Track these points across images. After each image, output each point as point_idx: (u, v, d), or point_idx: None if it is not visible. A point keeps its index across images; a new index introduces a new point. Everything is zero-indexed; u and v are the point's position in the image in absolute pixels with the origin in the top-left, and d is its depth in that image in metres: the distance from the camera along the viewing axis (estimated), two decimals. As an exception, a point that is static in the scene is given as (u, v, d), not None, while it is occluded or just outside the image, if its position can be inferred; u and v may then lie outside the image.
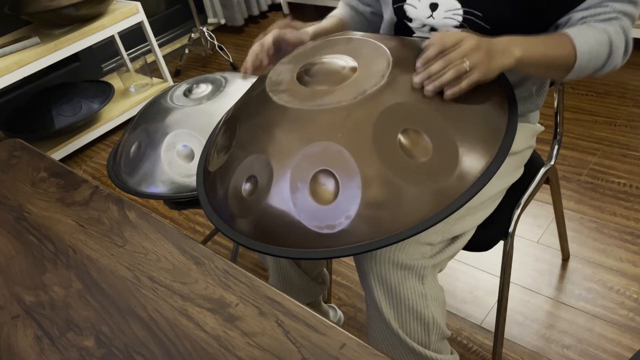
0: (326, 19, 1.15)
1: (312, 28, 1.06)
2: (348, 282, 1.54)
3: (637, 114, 1.89)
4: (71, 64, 2.86)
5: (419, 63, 0.78)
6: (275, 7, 3.58)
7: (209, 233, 1.83)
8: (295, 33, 0.99)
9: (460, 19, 0.91)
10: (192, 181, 1.12)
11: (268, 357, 0.60)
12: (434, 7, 0.93)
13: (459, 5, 0.91)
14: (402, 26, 1.02)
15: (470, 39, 0.76)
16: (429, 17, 0.95)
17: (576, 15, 0.87)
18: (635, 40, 2.20)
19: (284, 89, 0.84)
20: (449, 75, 0.75)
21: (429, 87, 0.77)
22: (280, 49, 0.98)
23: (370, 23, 1.18)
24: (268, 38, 0.96)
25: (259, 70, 0.97)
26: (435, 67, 0.76)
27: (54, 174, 1.03)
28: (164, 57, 3.26)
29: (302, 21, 1.06)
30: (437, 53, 0.77)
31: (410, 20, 0.99)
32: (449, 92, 0.77)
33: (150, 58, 3.13)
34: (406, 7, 0.98)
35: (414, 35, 1.01)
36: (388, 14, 1.03)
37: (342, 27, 1.14)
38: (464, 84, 0.76)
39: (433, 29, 0.97)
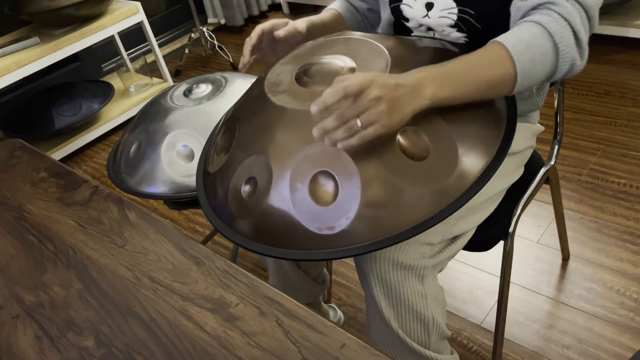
0: (323, 11, 1.15)
1: (307, 18, 1.06)
2: (348, 282, 1.54)
3: (637, 114, 1.89)
4: (71, 64, 2.86)
5: (313, 108, 0.70)
6: (275, 7, 3.58)
7: (209, 233, 1.83)
8: (289, 23, 0.99)
9: (455, 17, 0.92)
10: (192, 181, 1.12)
11: (268, 357, 0.60)
12: (429, 6, 0.94)
13: (454, 5, 0.91)
14: (400, 26, 1.02)
15: (373, 89, 0.68)
16: (424, 17, 0.95)
17: (516, 2, 0.80)
18: (636, 40, 2.20)
19: (282, 90, 0.84)
20: (339, 134, 0.70)
21: (326, 142, 0.71)
22: (273, 41, 0.99)
23: (366, 19, 1.18)
24: (254, 32, 0.97)
25: (253, 64, 0.98)
26: (328, 123, 0.70)
27: (54, 174, 1.03)
28: (164, 57, 3.26)
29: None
30: (333, 102, 0.69)
31: (407, 19, 0.99)
32: (339, 146, 0.70)
33: (150, 58, 3.13)
34: (402, 6, 0.98)
35: (412, 34, 1.01)
36: (386, 13, 1.04)
37: (338, 20, 1.13)
38: (354, 140, 0.69)
39: (430, 29, 0.97)
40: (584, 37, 0.77)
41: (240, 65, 0.97)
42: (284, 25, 0.98)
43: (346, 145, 0.70)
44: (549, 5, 0.76)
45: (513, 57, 0.74)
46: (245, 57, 0.97)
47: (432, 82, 0.72)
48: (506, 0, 0.86)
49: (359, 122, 0.69)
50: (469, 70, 0.75)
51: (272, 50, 1.01)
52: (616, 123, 1.87)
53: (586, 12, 0.77)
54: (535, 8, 0.78)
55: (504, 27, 0.90)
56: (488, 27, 0.90)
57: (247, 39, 0.98)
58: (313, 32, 1.05)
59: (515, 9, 0.81)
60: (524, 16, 0.80)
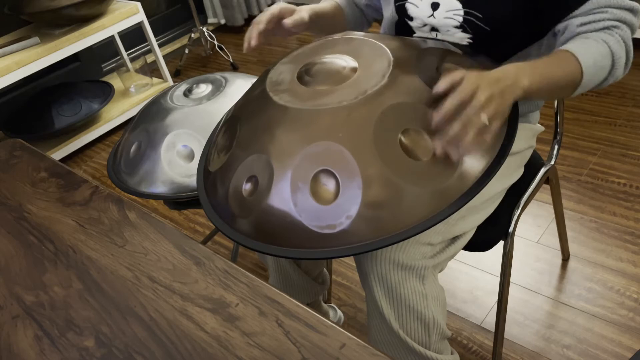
0: (325, 1, 1.14)
1: (311, 6, 1.05)
2: (348, 282, 1.54)
3: (637, 114, 1.89)
4: (71, 64, 2.86)
5: (437, 118, 0.73)
6: (275, 7, 3.58)
7: (209, 233, 1.83)
8: (296, 12, 0.99)
9: (461, 19, 0.91)
10: (192, 181, 1.12)
11: (268, 357, 0.60)
12: (435, 6, 0.93)
13: (460, 6, 0.91)
14: (403, 25, 1.02)
15: (483, 89, 0.72)
16: (429, 17, 0.95)
17: (574, 21, 0.85)
18: (636, 40, 2.20)
19: (284, 89, 0.84)
20: (471, 136, 0.71)
21: (455, 156, 0.74)
22: (278, 26, 1.00)
23: (363, 15, 1.18)
24: (264, 17, 0.98)
25: (258, 41, 0.98)
26: (455, 129, 0.72)
27: (54, 174, 1.03)
28: (164, 57, 3.26)
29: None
30: (455, 108, 0.72)
31: (411, 19, 0.98)
32: (470, 150, 0.74)
33: (150, 58, 3.13)
34: (408, 5, 0.98)
35: (414, 35, 1.01)
36: (389, 12, 1.03)
37: (338, 12, 1.13)
38: (487, 137, 0.73)
39: (434, 29, 0.97)
40: (632, 57, 0.86)
41: (245, 46, 0.98)
42: (291, 13, 0.99)
43: (480, 141, 0.73)
44: (615, 29, 0.83)
45: (583, 70, 0.81)
46: (253, 39, 0.97)
47: (526, 73, 0.77)
48: (522, 4, 0.87)
49: (484, 118, 0.71)
50: (553, 68, 0.81)
51: (274, 34, 1.02)
52: (616, 123, 1.87)
53: (632, 30, 0.85)
54: (601, 24, 0.84)
55: (515, 30, 0.90)
56: (497, 30, 0.90)
57: (255, 22, 0.98)
58: (315, 21, 1.05)
59: (574, 25, 0.86)
60: (578, 33, 0.85)
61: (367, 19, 1.19)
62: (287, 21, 0.97)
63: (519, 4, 0.87)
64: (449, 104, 0.72)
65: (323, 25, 1.09)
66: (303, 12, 1.00)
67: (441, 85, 0.74)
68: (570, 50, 0.81)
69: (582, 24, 0.85)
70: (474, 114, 0.71)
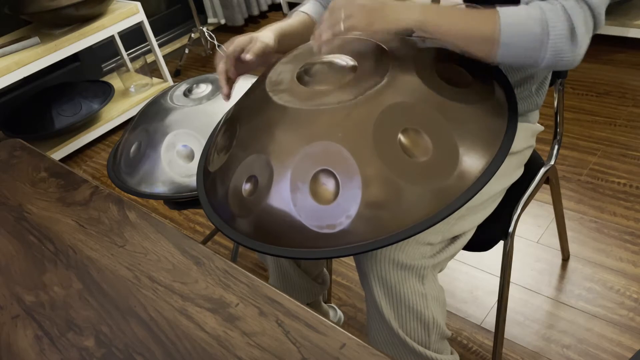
0: (291, 15, 1.09)
1: (276, 26, 1.01)
2: (348, 282, 1.54)
3: (637, 114, 1.89)
4: (71, 64, 2.86)
5: (314, 42, 0.85)
6: (275, 7, 3.58)
7: (209, 233, 1.83)
8: (256, 40, 0.94)
9: None
10: (192, 181, 1.12)
11: (268, 357, 0.60)
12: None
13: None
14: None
15: (348, 7, 0.81)
16: None
17: None
18: (636, 40, 2.20)
19: (284, 89, 0.84)
20: (324, 25, 0.82)
21: (316, 44, 0.84)
22: (242, 65, 0.96)
23: None
24: (223, 64, 0.94)
25: (230, 89, 0.96)
26: (321, 28, 0.83)
27: (54, 174, 1.03)
28: (164, 57, 3.26)
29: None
30: (326, 17, 0.82)
31: None
32: (324, 37, 0.83)
33: (150, 58, 3.13)
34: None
35: (413, 33, 1.01)
36: None
37: (307, 25, 1.07)
38: (336, 27, 0.81)
39: None
40: (582, 34, 0.77)
41: (224, 97, 0.95)
42: (249, 43, 0.93)
43: (327, 36, 0.82)
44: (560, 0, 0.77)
45: (501, 24, 0.77)
46: (224, 88, 0.95)
47: (421, 9, 0.79)
48: None
49: (342, 14, 0.80)
50: (458, 14, 0.81)
51: (245, 67, 0.97)
52: (616, 123, 1.87)
53: (591, 10, 0.77)
54: None
55: None
56: None
57: (219, 70, 0.94)
58: (283, 42, 1.00)
59: None
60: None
61: None
62: (246, 56, 0.92)
63: None
64: (325, 16, 0.82)
65: (292, 45, 1.03)
66: (265, 37, 0.95)
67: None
68: (496, 7, 0.79)
69: None
70: (338, 14, 0.81)
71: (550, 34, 0.75)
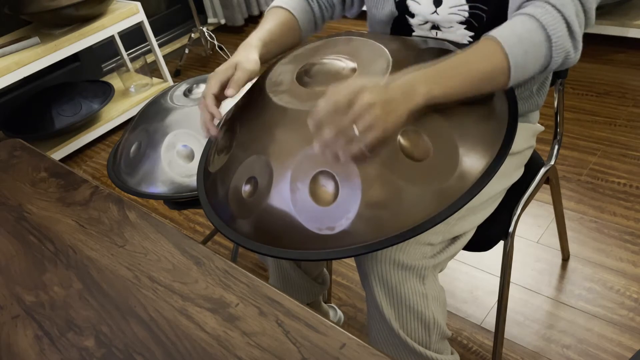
0: (268, 15, 1.02)
1: (257, 40, 0.94)
2: (348, 282, 1.54)
3: (637, 114, 1.89)
4: (71, 64, 2.86)
5: (310, 123, 0.70)
6: (275, 7, 3.58)
7: (209, 233, 1.83)
8: (237, 70, 0.87)
9: (466, 14, 0.91)
10: (192, 181, 1.12)
11: (268, 357, 0.60)
12: (438, 2, 0.93)
13: (463, 1, 0.90)
14: (401, 22, 1.01)
15: (364, 95, 0.68)
16: (432, 13, 0.94)
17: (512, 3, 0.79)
18: (636, 40, 2.20)
19: (283, 90, 0.84)
20: (338, 144, 0.69)
21: (327, 157, 0.71)
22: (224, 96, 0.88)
23: (322, 16, 1.08)
24: (208, 109, 0.86)
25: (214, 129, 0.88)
26: (325, 134, 0.69)
27: (54, 174, 1.03)
28: (164, 57, 3.26)
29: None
30: (327, 114, 0.69)
31: (413, 15, 0.98)
32: (342, 157, 0.70)
33: (150, 58, 3.13)
34: (409, 2, 0.96)
35: (413, 33, 1.01)
36: (388, 8, 1.01)
37: (290, 25, 1.01)
38: (354, 148, 0.69)
39: (434, 27, 0.97)
40: (578, 29, 0.76)
41: (213, 137, 0.88)
42: (232, 73, 0.87)
43: (347, 155, 0.69)
44: (544, 1, 0.76)
45: (505, 50, 0.74)
46: (212, 130, 0.87)
47: (424, 81, 0.72)
48: None
49: (356, 130, 0.68)
50: (461, 65, 0.75)
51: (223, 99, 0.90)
52: (616, 123, 1.87)
53: (582, 4, 0.77)
54: (529, 0, 0.78)
55: None
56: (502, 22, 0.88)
57: (203, 111, 0.87)
58: (266, 56, 0.95)
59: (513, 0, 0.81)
60: (519, 8, 0.80)
61: (323, 20, 1.09)
62: (229, 92, 0.85)
63: None
64: (321, 109, 0.69)
65: (275, 54, 0.98)
66: (248, 64, 0.88)
67: (319, 102, 0.69)
68: (491, 35, 0.76)
69: (520, 3, 0.79)
70: (345, 121, 0.68)
71: (553, 38, 0.75)
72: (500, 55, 0.74)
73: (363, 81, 0.70)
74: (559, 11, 0.75)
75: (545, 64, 0.78)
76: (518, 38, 0.74)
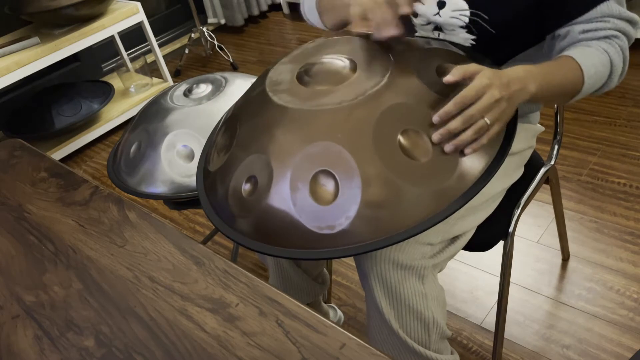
0: None
1: None
2: (348, 282, 1.54)
3: (637, 114, 1.89)
4: (71, 64, 2.86)
5: (436, 117, 0.73)
6: (275, 7, 3.58)
7: (209, 233, 1.83)
8: None
9: (467, 20, 0.91)
10: (192, 181, 1.12)
11: (268, 357, 0.60)
12: (441, 4, 0.93)
13: (466, 6, 0.90)
14: (405, 21, 1.01)
15: (493, 90, 0.72)
16: (435, 15, 0.94)
17: (576, 27, 0.85)
18: (636, 40, 2.20)
19: (284, 89, 0.84)
20: (469, 134, 0.72)
21: (449, 148, 0.73)
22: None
23: None
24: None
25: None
26: (454, 124, 0.72)
27: (54, 174, 1.03)
28: (164, 57, 3.26)
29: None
30: (457, 109, 0.72)
31: (416, 15, 0.98)
32: (468, 150, 0.73)
33: (150, 58, 3.13)
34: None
35: (416, 34, 1.01)
36: None
37: None
38: (484, 139, 0.73)
39: (437, 28, 0.97)
40: (627, 66, 0.87)
41: (381, 35, 0.82)
42: None
43: (475, 148, 0.74)
44: (615, 39, 0.84)
45: (585, 79, 0.82)
46: (394, 30, 0.81)
47: (535, 79, 0.77)
48: (526, 8, 0.87)
49: (487, 120, 0.72)
50: (559, 71, 0.82)
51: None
52: (616, 123, 1.87)
53: (629, 41, 0.87)
54: (603, 33, 0.85)
55: (518, 33, 0.90)
56: (501, 32, 0.90)
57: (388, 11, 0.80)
58: None
59: (576, 32, 0.86)
60: (580, 40, 0.86)
61: None
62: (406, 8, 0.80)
63: (523, 7, 0.87)
64: (452, 106, 0.72)
65: None
66: None
67: (454, 74, 0.74)
68: (575, 59, 0.82)
69: (583, 31, 0.85)
70: (478, 113, 0.72)
71: (614, 74, 0.85)
72: (580, 78, 0.82)
73: (485, 73, 0.73)
74: (623, 53, 0.85)
75: (597, 91, 0.87)
76: (594, 71, 0.82)
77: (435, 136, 0.73)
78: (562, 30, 0.88)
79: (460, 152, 0.74)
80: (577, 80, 0.82)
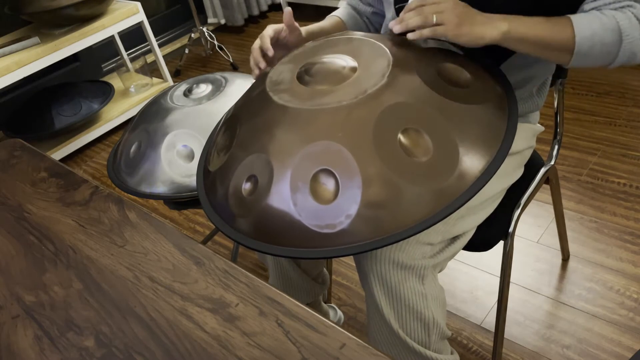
0: (326, 19, 1.15)
1: (306, 28, 1.06)
2: (348, 282, 1.54)
3: (637, 114, 1.89)
4: (71, 64, 2.86)
5: (395, 23, 0.83)
6: (275, 7, 3.58)
7: (209, 233, 1.83)
8: (290, 34, 1.00)
9: None
10: (192, 181, 1.12)
11: (268, 357, 0.60)
12: None
13: None
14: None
15: (451, 1, 0.81)
16: None
17: (587, 6, 0.86)
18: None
19: (284, 89, 0.84)
20: (414, 20, 0.81)
21: (395, 28, 0.83)
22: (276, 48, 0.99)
23: (370, 24, 1.18)
24: (266, 39, 0.96)
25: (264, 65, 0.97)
26: (408, 14, 0.82)
27: (54, 174, 1.03)
28: (164, 57, 3.26)
29: (301, 21, 1.06)
30: (416, 5, 0.82)
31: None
32: (410, 35, 0.82)
33: (150, 58, 3.13)
34: None
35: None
36: (390, 13, 1.03)
37: (339, 27, 1.14)
38: (426, 31, 0.81)
39: None
40: None
41: (256, 74, 0.97)
42: (281, 29, 0.99)
43: (416, 35, 0.82)
44: (628, 8, 0.84)
45: (576, 39, 0.83)
46: (261, 62, 0.96)
47: (508, 19, 0.82)
48: (528, 6, 0.87)
49: (434, 18, 0.80)
50: (539, 23, 0.83)
51: (279, 48, 1.01)
52: (616, 123, 1.87)
53: None
54: (613, 6, 0.85)
55: None
56: None
57: (256, 48, 0.97)
58: (309, 37, 1.05)
59: (584, 9, 0.87)
60: (596, 7, 0.86)
61: (374, 28, 1.20)
62: (284, 34, 0.99)
63: (525, 5, 0.87)
64: (414, 2, 0.82)
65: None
66: (297, 37, 1.01)
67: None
68: (569, 17, 0.84)
69: (593, 8, 0.86)
70: (428, 10, 0.81)
71: (624, 41, 0.82)
72: (570, 39, 0.83)
73: None
74: (638, 19, 0.83)
75: (609, 61, 0.85)
76: (591, 32, 0.82)
77: (392, 24, 0.83)
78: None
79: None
80: (567, 38, 0.83)
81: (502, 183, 1.00)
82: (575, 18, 0.83)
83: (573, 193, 1.65)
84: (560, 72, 1.10)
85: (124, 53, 2.93)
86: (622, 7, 0.84)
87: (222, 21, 3.42)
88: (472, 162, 0.75)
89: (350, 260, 1.60)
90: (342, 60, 0.85)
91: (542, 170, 1.13)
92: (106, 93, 2.58)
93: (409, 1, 0.84)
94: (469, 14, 0.81)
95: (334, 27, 1.13)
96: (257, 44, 0.97)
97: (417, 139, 0.74)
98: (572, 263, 1.45)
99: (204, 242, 1.70)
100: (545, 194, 1.67)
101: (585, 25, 0.82)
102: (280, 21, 1.08)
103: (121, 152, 1.23)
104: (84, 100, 2.53)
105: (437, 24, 0.80)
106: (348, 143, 0.73)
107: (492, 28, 0.81)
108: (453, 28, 0.80)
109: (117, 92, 2.73)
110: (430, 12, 0.81)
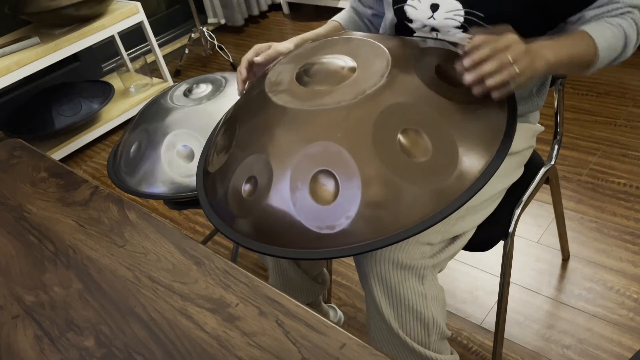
0: (326, 24, 1.17)
1: (300, 36, 1.07)
2: (348, 282, 1.54)
3: (637, 114, 1.89)
4: (71, 64, 2.86)
5: (467, 61, 0.76)
6: (275, 7, 3.58)
7: (209, 233, 1.83)
8: (272, 48, 1.01)
9: (462, 19, 0.91)
10: (192, 181, 1.12)
11: (268, 357, 0.60)
12: (434, 7, 0.93)
13: (460, 6, 0.91)
14: (402, 27, 1.02)
15: (520, 44, 0.76)
16: (429, 18, 0.95)
17: (588, 13, 0.88)
18: (635, 40, 2.20)
19: (283, 89, 0.84)
20: (500, 78, 0.75)
21: (478, 90, 0.77)
22: (257, 67, 1.02)
23: (371, 25, 1.18)
24: (242, 66, 1.00)
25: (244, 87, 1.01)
26: (488, 67, 0.75)
27: (54, 174, 1.03)
28: (164, 57, 3.26)
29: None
30: (488, 55, 0.75)
31: (411, 21, 0.99)
32: (496, 95, 0.77)
33: (150, 58, 3.13)
34: (406, 7, 0.98)
35: (414, 35, 1.01)
36: (389, 14, 1.04)
37: (337, 31, 1.14)
38: (512, 86, 0.76)
39: (434, 30, 0.97)
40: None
41: (239, 93, 1.02)
42: (266, 49, 1.01)
43: (503, 94, 0.77)
44: (629, 14, 0.88)
45: (599, 52, 0.85)
46: (239, 85, 1.01)
47: (553, 49, 0.81)
48: (522, 3, 0.87)
49: (516, 69, 0.75)
50: (569, 44, 0.84)
51: (258, 69, 1.04)
52: (616, 123, 1.87)
53: None
54: (615, 12, 0.88)
55: (517, 27, 0.90)
56: None
57: (237, 73, 1.02)
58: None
59: (589, 17, 0.90)
60: (595, 16, 0.89)
61: (375, 29, 1.20)
62: (258, 58, 1.00)
63: (521, 1, 0.87)
64: (484, 51, 0.75)
65: None
66: (281, 47, 1.01)
67: (475, 40, 0.76)
68: (588, 32, 0.86)
69: (596, 15, 0.88)
70: (507, 59, 0.74)
71: (628, 46, 0.88)
72: (594, 51, 0.85)
73: (508, 36, 0.77)
74: (636, 24, 0.88)
75: (612, 63, 0.90)
76: (608, 44, 0.86)
77: (468, 77, 0.76)
78: (572, 18, 0.91)
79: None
80: (591, 53, 0.85)
81: (502, 183, 1.00)
82: (592, 32, 0.85)
83: (573, 193, 1.65)
84: (560, 72, 1.10)
85: (124, 53, 2.93)
86: (623, 13, 0.87)
87: (222, 21, 3.42)
88: (471, 162, 0.75)
89: (350, 260, 1.60)
90: (341, 61, 0.85)
91: (542, 170, 1.13)
92: (106, 93, 2.58)
93: (464, 35, 0.84)
94: (532, 51, 0.78)
95: (331, 33, 1.13)
96: (240, 71, 1.01)
97: (417, 139, 0.74)
98: (572, 263, 1.45)
99: (204, 242, 1.70)
100: (545, 194, 1.67)
101: (602, 38, 0.85)
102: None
103: (121, 152, 1.23)
104: (84, 100, 2.53)
105: (520, 74, 0.75)
106: (347, 143, 0.73)
107: (541, 60, 0.79)
108: (530, 74, 0.77)
109: (117, 92, 2.73)
110: (508, 61, 0.75)
